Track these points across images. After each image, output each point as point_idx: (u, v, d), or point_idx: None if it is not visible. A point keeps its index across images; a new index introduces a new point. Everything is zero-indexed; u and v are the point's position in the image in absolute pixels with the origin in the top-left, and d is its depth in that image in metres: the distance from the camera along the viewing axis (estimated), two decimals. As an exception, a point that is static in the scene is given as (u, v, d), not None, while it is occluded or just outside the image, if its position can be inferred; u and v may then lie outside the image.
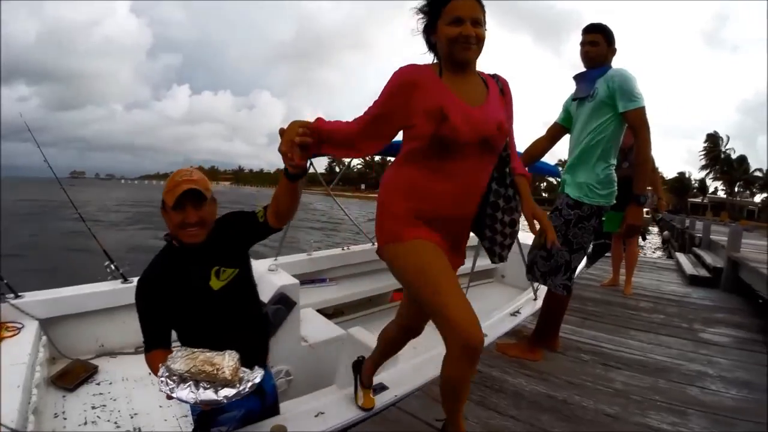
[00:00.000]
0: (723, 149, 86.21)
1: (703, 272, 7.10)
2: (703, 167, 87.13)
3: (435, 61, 1.89)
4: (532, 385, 2.87)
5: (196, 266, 1.92)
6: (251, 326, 2.08)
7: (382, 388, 2.70)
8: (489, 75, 1.94)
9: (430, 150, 1.76)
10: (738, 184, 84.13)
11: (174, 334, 1.95)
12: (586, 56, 2.98)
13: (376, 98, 1.80)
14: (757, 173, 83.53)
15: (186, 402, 1.57)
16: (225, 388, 1.58)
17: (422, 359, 3.07)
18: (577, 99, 3.04)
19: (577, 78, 3.07)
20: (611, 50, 2.97)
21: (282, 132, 1.71)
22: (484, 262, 6.69)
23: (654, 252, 22.45)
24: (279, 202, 1.93)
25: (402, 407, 2.51)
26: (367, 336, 3.30)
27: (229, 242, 2.00)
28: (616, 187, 3.01)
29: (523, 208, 2.01)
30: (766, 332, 4.26)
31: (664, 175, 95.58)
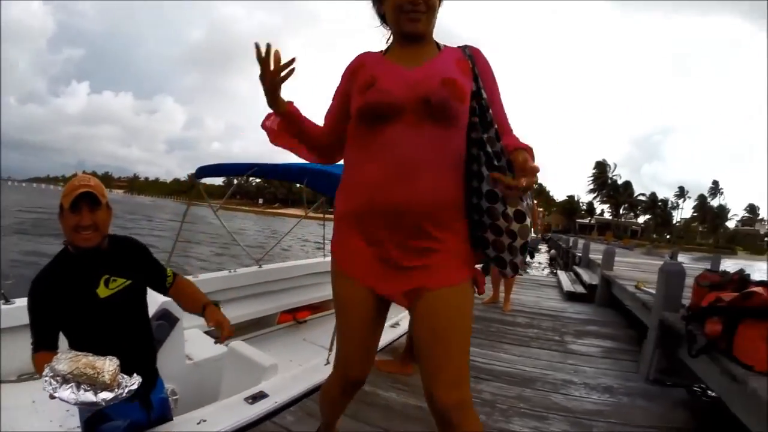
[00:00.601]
0: (610, 175, 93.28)
1: (580, 288, 7.65)
2: (591, 191, 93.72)
3: (389, 37, 1.69)
4: (402, 398, 2.97)
5: (86, 272, 1.94)
6: (137, 338, 2.09)
7: (262, 396, 2.72)
8: (455, 47, 1.65)
9: (361, 126, 1.56)
10: (623, 206, 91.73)
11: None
12: None
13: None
14: (641, 197, 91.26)
15: (67, 402, 1.60)
16: (104, 392, 1.62)
17: (302, 369, 3.18)
18: None
19: None
20: None
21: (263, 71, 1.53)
22: None
23: (543, 270, 23.51)
24: (183, 303, 2.15)
25: (277, 421, 2.55)
26: (249, 349, 3.35)
27: (126, 261, 2.05)
28: None
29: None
30: (634, 342, 4.59)
31: (555, 198, 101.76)
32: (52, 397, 1.58)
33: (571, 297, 7.26)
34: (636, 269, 7.97)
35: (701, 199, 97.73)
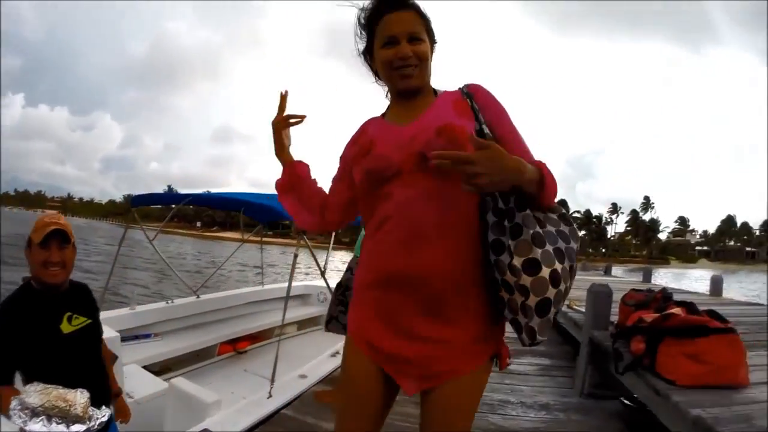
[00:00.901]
0: None
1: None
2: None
3: (386, 93, 1.59)
4: None
5: (50, 308, 2.00)
6: (94, 376, 2.12)
7: None
8: (453, 90, 1.51)
9: (367, 194, 1.46)
10: None
11: None
12: None
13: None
14: (576, 214, 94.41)
15: None
16: (76, 424, 1.65)
17: (245, 403, 3.18)
18: None
19: None
20: None
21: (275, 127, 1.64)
22: (313, 309, 6.80)
23: None
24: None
25: None
26: (191, 386, 3.27)
27: (84, 303, 2.17)
28: None
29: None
30: (569, 357, 4.75)
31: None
32: (22, 430, 1.59)
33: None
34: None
35: (634, 213, 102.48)
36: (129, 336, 4.38)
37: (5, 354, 1.88)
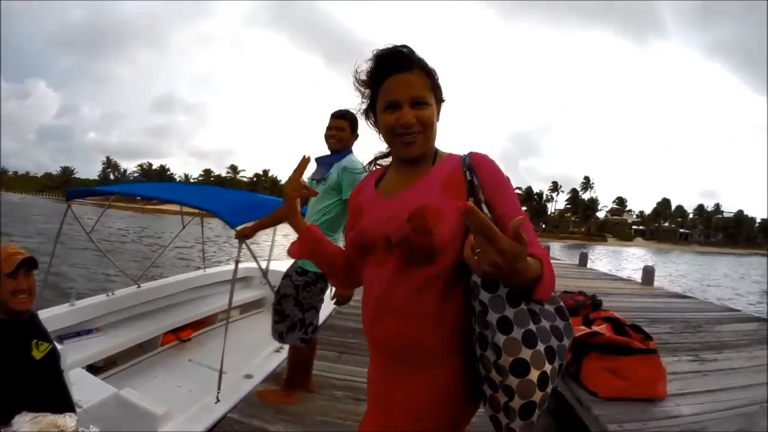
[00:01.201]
0: None
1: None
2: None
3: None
4: (289, 429, 3.03)
5: (19, 337, 2.08)
6: (61, 398, 2.22)
7: None
8: (457, 155, 1.40)
9: (358, 263, 1.44)
10: None
11: None
12: (329, 141, 3.21)
13: None
14: (518, 191, 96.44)
15: None
16: None
17: (194, 410, 3.16)
18: (315, 179, 3.29)
19: (318, 160, 3.28)
20: (354, 136, 3.25)
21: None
22: (255, 292, 6.77)
23: None
24: None
25: None
26: (138, 396, 3.23)
27: (41, 328, 2.24)
28: None
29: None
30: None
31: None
32: None
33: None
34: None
35: (574, 192, 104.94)
36: (70, 333, 4.29)
37: None
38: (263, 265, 5.21)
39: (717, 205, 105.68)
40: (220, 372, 3.31)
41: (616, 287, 9.83)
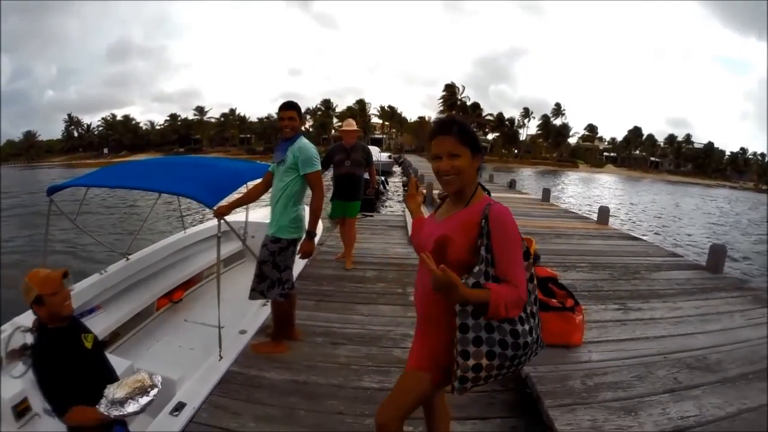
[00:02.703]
0: (459, 97, 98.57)
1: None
2: (441, 112, 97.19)
3: None
4: (281, 375, 3.48)
5: (72, 337, 2.54)
6: (111, 371, 2.73)
7: (182, 405, 2.99)
8: (484, 202, 1.88)
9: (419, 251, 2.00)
10: (473, 125, 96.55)
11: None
12: (284, 131, 3.71)
13: None
14: (489, 117, 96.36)
15: (136, 414, 2.21)
16: (152, 390, 2.28)
17: (204, 369, 3.48)
18: (274, 162, 3.83)
19: (276, 146, 3.86)
20: (302, 122, 3.83)
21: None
22: (236, 244, 6.85)
23: (398, 202, 23.09)
24: None
25: (197, 420, 2.94)
26: (151, 365, 3.56)
27: (79, 323, 2.75)
28: (304, 222, 3.84)
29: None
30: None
31: (408, 118, 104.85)
32: (122, 418, 2.20)
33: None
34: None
35: (545, 118, 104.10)
36: (76, 316, 4.20)
37: (63, 385, 2.34)
38: (242, 219, 5.84)
39: (688, 136, 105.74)
40: (219, 331, 3.63)
41: (572, 227, 10.33)
